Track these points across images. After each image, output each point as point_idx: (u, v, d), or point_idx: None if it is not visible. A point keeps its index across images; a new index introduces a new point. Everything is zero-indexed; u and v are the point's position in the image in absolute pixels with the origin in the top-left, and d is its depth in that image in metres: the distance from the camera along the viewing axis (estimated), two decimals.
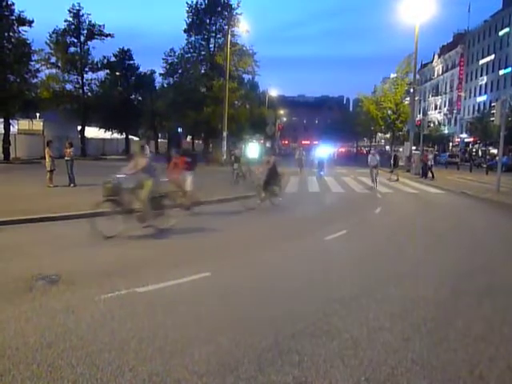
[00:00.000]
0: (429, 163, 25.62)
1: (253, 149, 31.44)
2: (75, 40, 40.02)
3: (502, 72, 59.86)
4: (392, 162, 24.80)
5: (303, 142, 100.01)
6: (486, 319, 4.63)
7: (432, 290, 5.60)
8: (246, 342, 3.90)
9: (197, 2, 37.74)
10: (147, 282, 5.47)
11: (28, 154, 31.25)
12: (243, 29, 34.63)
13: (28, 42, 32.00)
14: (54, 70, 38.89)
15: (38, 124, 39.58)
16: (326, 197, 16.84)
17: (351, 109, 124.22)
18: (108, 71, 43.56)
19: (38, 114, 39.62)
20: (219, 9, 37.89)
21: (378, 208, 13.48)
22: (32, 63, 33.52)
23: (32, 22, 31.53)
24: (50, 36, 38.56)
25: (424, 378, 3.40)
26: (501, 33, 60.92)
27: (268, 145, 68.69)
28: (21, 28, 31.46)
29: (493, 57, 62.96)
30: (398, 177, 24.19)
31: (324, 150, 34.40)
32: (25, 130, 38.05)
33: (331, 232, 9.18)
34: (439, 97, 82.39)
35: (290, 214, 12.43)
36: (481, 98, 65.52)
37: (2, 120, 30.74)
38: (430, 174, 25.01)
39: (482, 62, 66.39)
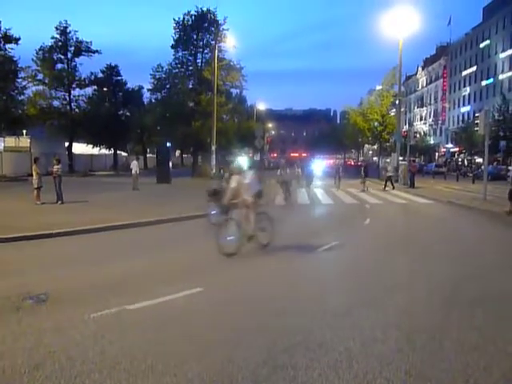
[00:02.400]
0: (388, 174, 25.88)
1: (243, 162, 31.46)
2: (62, 57, 40.05)
3: (484, 83, 61.14)
4: (362, 172, 25.08)
5: (292, 155, 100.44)
6: (479, 328, 4.62)
7: (424, 300, 5.60)
8: (239, 358, 3.84)
9: (184, 19, 38.02)
10: (138, 298, 5.38)
11: (15, 172, 30.89)
12: (230, 44, 34.99)
13: (14, 59, 31.96)
14: (40, 87, 38.89)
15: (24, 141, 39.27)
16: (316, 208, 16.89)
17: (338, 121, 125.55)
18: (95, 87, 43.55)
19: (24, 131, 39.35)
20: (206, 25, 38.19)
21: (367, 219, 13.53)
22: (19, 80, 33.45)
23: (18, 39, 31.54)
24: (37, 53, 38.55)
25: None
26: (482, 45, 62.42)
27: (257, 158, 69.03)
28: (7, 45, 31.43)
29: (475, 68, 64.34)
30: (368, 188, 24.05)
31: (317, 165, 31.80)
32: (11, 147, 37.72)
33: (323, 244, 9.17)
34: (424, 108, 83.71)
35: (280, 225, 12.40)
36: (465, 109, 66.68)
37: None
38: (390, 185, 25.07)
39: (464, 73, 67.77)
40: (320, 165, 32.22)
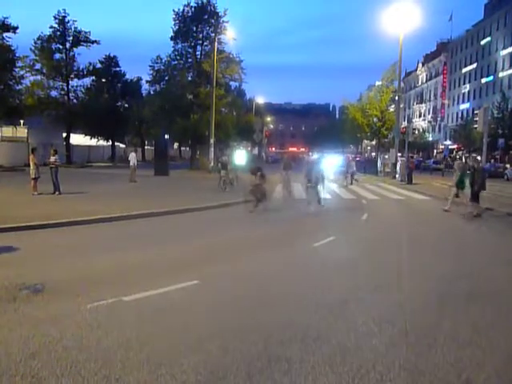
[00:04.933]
0: (350, 170, 26.14)
1: (240, 155, 31.44)
2: (60, 46, 39.65)
3: (484, 80, 61.09)
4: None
5: (290, 149, 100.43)
6: (472, 324, 4.66)
7: (419, 295, 5.63)
8: (235, 350, 3.87)
9: (183, 10, 37.74)
10: (134, 290, 5.40)
11: (12, 162, 30.75)
12: (230, 36, 34.82)
13: (12, 48, 31.68)
14: (38, 77, 38.48)
15: (22, 131, 39.10)
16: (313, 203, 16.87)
17: (337, 116, 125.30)
18: (94, 78, 43.26)
19: (22, 121, 39.12)
20: (206, 17, 37.92)
21: (365, 214, 13.55)
22: (16, 70, 33.19)
23: (16, 28, 31.27)
24: (35, 42, 38.15)
25: (412, 383, 3.40)
26: (482, 42, 62.29)
27: (255, 152, 68.99)
28: (5, 34, 31.16)
29: (475, 65, 64.24)
30: (352, 181, 24.83)
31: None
32: (8, 137, 37.59)
33: (319, 239, 9.19)
34: (423, 104, 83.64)
35: (278, 220, 12.42)
36: (464, 106, 66.67)
37: None
38: (354, 181, 25.47)
39: (464, 70, 67.67)
40: (333, 162, 30.23)
